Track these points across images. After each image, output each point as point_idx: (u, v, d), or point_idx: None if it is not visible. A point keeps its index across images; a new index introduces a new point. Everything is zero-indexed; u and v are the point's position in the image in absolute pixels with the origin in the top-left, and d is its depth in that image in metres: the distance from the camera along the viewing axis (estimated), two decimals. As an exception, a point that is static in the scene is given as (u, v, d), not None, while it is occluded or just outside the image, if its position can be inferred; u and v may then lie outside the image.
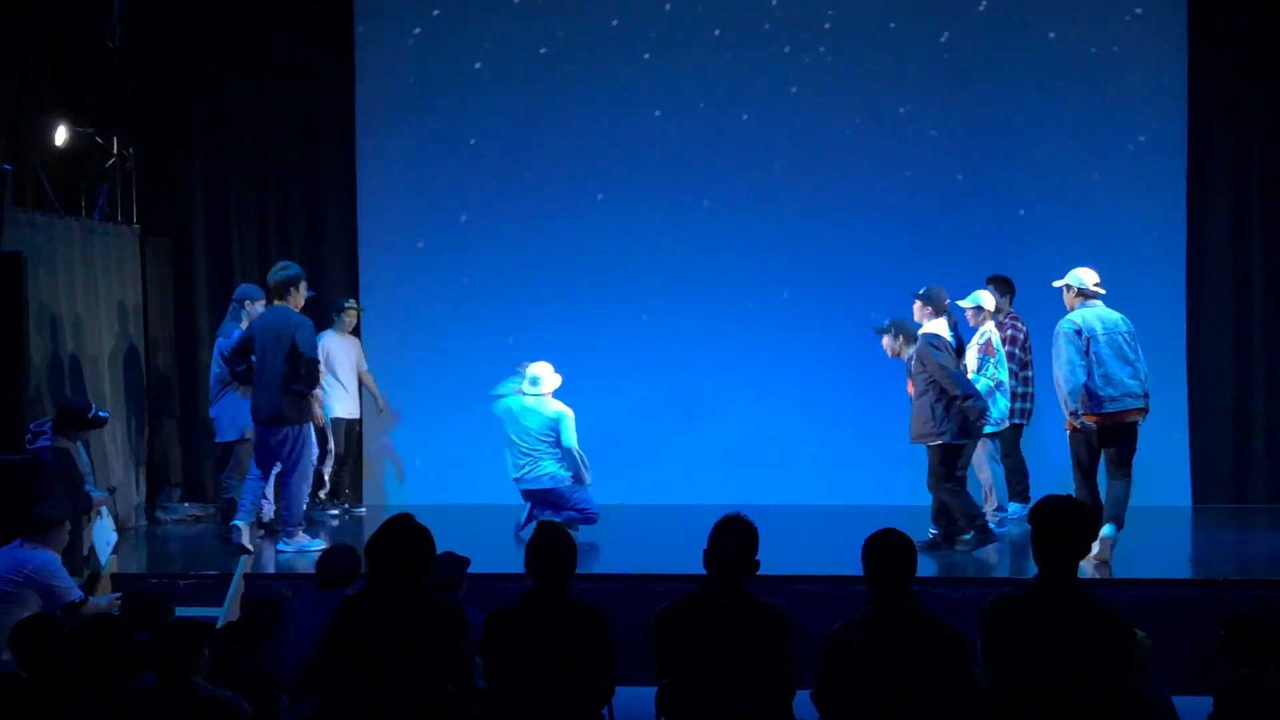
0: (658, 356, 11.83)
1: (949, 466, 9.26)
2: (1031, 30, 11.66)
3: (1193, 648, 7.87)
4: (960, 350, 9.65)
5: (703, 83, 11.81)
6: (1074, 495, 5.16)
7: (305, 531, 9.77)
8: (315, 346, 9.68)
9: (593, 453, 11.46)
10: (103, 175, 11.23)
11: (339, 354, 11.15)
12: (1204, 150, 11.55)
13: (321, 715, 5.16)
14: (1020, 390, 10.39)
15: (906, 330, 9.58)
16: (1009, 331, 10.28)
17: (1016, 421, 10.38)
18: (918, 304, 9.45)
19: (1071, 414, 8.76)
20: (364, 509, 11.63)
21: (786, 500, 11.18)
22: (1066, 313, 8.92)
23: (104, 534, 8.66)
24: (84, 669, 5.11)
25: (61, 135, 10.74)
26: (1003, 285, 10.47)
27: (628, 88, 11.85)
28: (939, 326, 9.35)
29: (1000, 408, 9.88)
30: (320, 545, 9.33)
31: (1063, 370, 8.77)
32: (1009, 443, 10.37)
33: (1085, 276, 9.00)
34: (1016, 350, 10.31)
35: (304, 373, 9.47)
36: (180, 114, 11.85)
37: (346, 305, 11.30)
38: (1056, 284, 9.10)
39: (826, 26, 11.77)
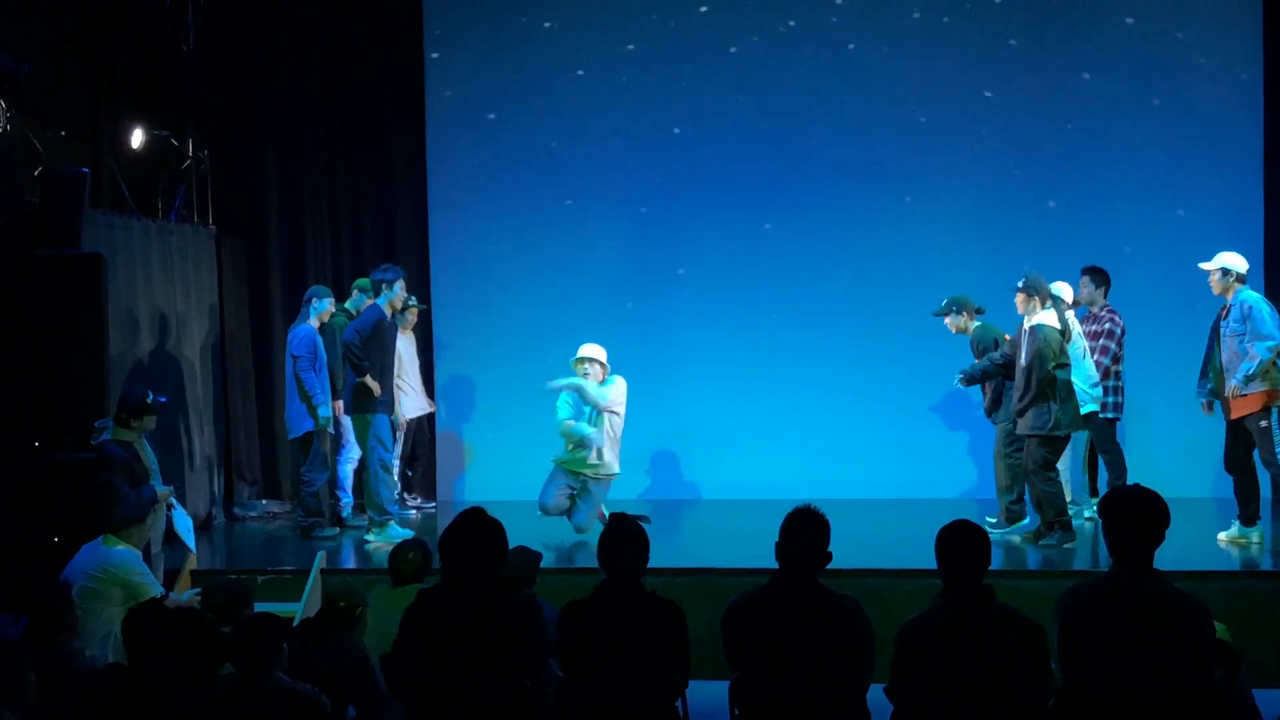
0: (727, 352, 11.82)
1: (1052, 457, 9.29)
2: (1103, 17, 11.52)
3: (1273, 640, 7.79)
4: (1066, 336, 9.44)
5: (766, 85, 11.75)
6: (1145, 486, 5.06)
7: (395, 522, 9.95)
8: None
9: (666, 448, 11.52)
10: (178, 177, 11.37)
11: (403, 353, 11.20)
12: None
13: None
14: (1114, 385, 10.05)
15: (966, 305, 9.62)
16: (1107, 325, 10.01)
17: (1111, 416, 10.10)
18: (1021, 296, 9.29)
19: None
20: (435, 504, 11.72)
21: (858, 494, 11.15)
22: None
23: (183, 521, 8.79)
24: (166, 663, 5.19)
25: (138, 138, 10.90)
26: (1098, 276, 10.20)
27: (695, 93, 11.82)
28: (1049, 317, 9.21)
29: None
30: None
31: (1272, 340, 8.77)
32: (1106, 436, 10.13)
33: (1240, 262, 8.99)
34: (1113, 345, 9.99)
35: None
36: (254, 116, 11.97)
37: (409, 304, 11.37)
38: (1205, 266, 9.05)
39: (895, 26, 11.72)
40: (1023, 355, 9.23)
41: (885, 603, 7.46)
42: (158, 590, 7.41)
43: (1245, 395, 8.90)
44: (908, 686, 4.99)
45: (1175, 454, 10.98)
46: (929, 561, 5.08)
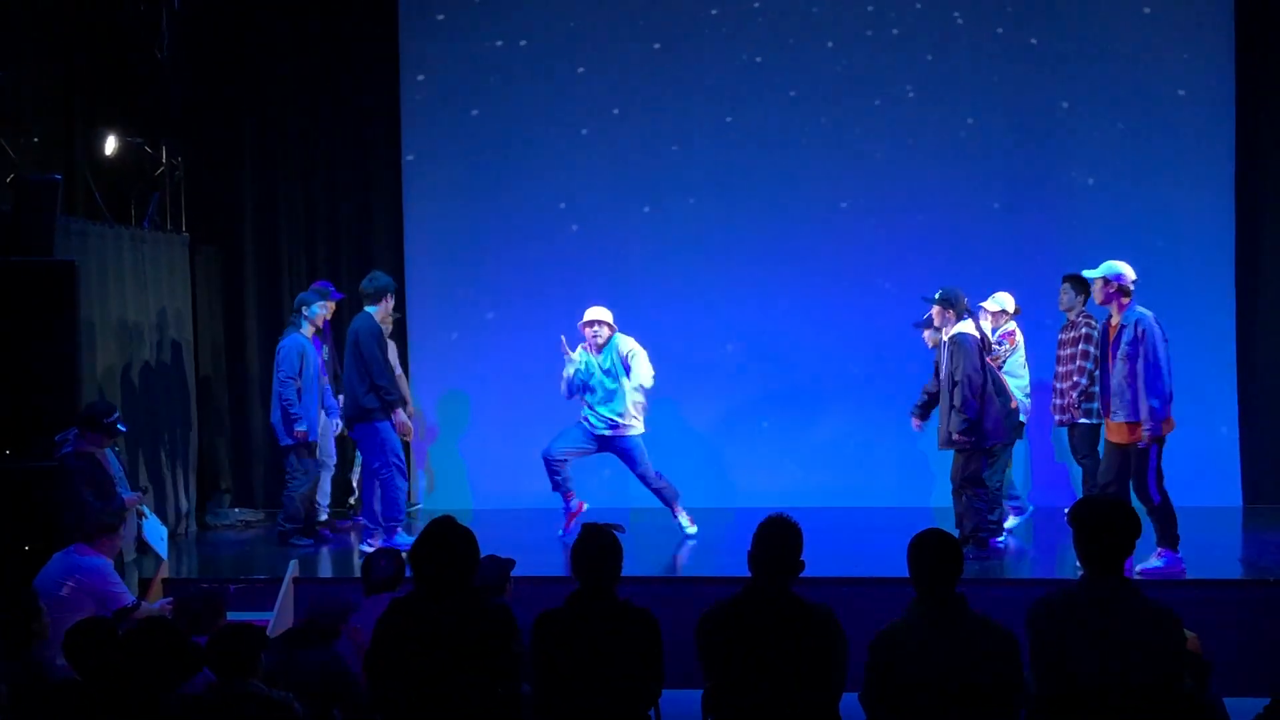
0: (705, 362, 11.82)
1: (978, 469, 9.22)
2: (1079, 33, 11.60)
3: (1244, 648, 7.83)
4: (988, 347, 9.41)
5: (752, 82, 11.80)
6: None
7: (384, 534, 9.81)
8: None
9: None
10: (152, 184, 11.35)
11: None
12: (1253, 134, 11.38)
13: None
14: (1096, 390, 9.86)
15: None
16: (1084, 330, 9.96)
17: (1096, 421, 9.98)
18: (936, 309, 9.24)
19: (1165, 421, 8.37)
20: (417, 508, 11.66)
21: (831, 503, 11.17)
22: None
23: (155, 530, 8.73)
24: (138, 672, 5.17)
25: (111, 145, 10.87)
26: (1079, 284, 10.03)
27: (678, 87, 11.84)
28: (967, 327, 9.15)
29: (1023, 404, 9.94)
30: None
31: (1162, 370, 8.35)
32: (1089, 442, 10.09)
33: (1128, 272, 8.52)
34: (1093, 350, 9.87)
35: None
36: (228, 123, 11.95)
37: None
38: (1089, 274, 8.65)
39: (870, 8, 11.74)
40: (944, 368, 9.16)
41: (858, 611, 7.45)
42: (129, 599, 7.39)
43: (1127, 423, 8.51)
44: (881, 694, 5.00)
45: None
46: (902, 570, 5.09)
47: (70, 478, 8.25)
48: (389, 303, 10.00)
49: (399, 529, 9.76)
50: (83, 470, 8.30)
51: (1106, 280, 8.52)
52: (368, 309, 9.89)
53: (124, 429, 8.88)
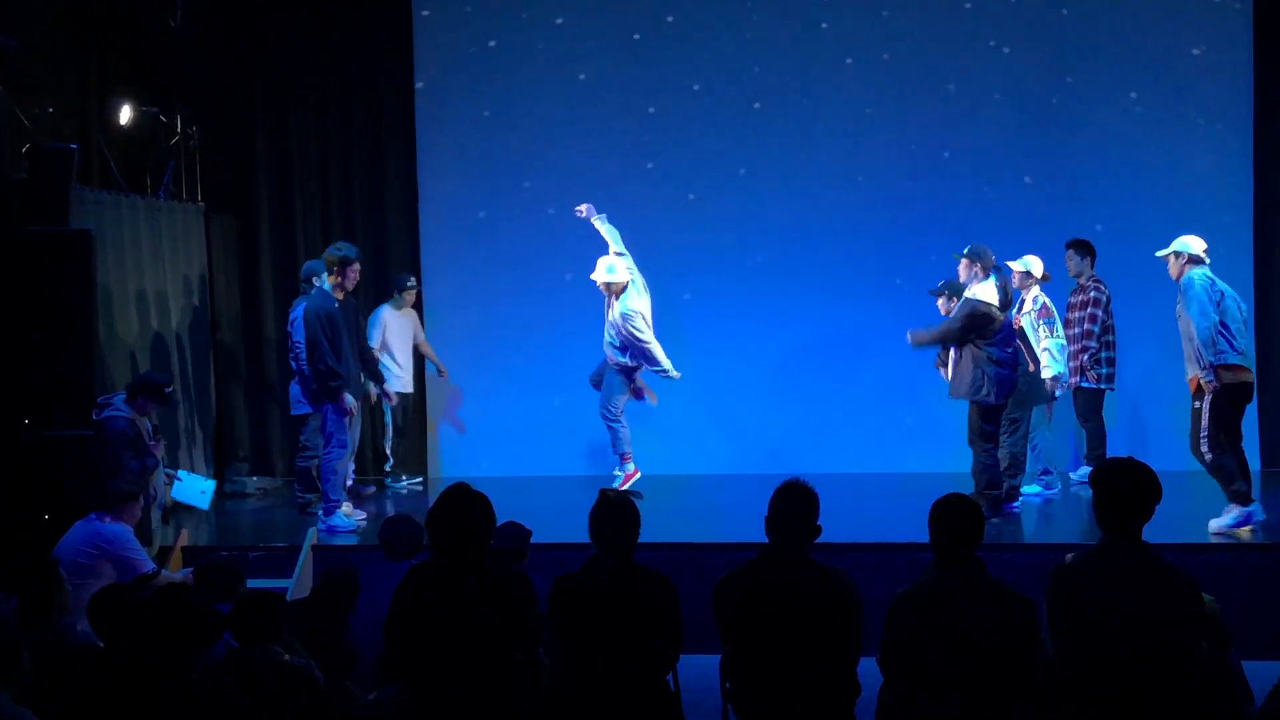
0: (719, 330, 11.81)
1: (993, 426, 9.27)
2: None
3: (1261, 613, 7.83)
4: (1007, 305, 9.37)
5: (756, 60, 11.76)
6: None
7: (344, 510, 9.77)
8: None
9: (656, 424, 11.49)
10: (167, 153, 11.35)
11: (395, 330, 11.22)
12: (1272, 105, 11.34)
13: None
14: (1106, 355, 10.28)
15: (959, 290, 9.63)
16: (1092, 294, 10.21)
17: (1102, 386, 10.33)
18: (964, 263, 9.20)
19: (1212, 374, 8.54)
20: (421, 480, 11.65)
21: (849, 469, 11.16)
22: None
23: (192, 486, 8.81)
24: (158, 640, 5.19)
25: (126, 114, 10.86)
26: (1083, 248, 10.38)
27: (688, 61, 11.81)
28: (986, 291, 9.10)
29: (1057, 370, 9.96)
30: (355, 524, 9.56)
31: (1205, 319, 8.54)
32: (1091, 406, 10.34)
33: (1194, 243, 8.74)
34: (1100, 313, 10.20)
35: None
36: (243, 92, 11.94)
37: (409, 285, 11.33)
38: (1161, 254, 8.84)
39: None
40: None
41: (876, 576, 7.45)
42: (150, 567, 7.43)
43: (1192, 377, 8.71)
44: (899, 657, 5.01)
45: (1163, 427, 11.01)
46: (920, 535, 5.09)
47: (113, 440, 8.40)
48: (351, 275, 9.69)
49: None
50: (126, 434, 8.45)
51: (1176, 254, 8.72)
52: (324, 285, 9.64)
53: (178, 400, 9.06)
